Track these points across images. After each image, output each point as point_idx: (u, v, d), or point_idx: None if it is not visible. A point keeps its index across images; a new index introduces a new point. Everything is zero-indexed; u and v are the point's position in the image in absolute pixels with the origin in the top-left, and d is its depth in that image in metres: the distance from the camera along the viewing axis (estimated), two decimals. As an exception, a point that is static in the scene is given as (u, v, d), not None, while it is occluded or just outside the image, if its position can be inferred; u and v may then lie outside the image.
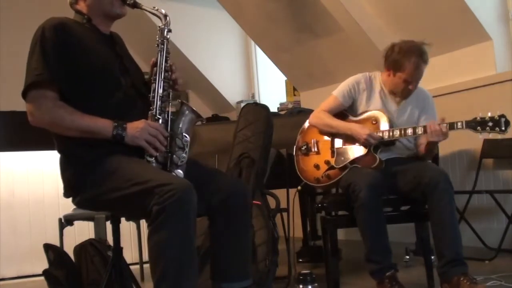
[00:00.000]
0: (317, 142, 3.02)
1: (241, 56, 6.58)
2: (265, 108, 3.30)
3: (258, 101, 6.17)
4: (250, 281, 2.09)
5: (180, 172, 2.01)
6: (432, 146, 2.83)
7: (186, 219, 1.78)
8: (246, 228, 2.12)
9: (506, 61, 3.79)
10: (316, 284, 2.66)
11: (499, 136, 2.60)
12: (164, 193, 1.76)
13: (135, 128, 1.98)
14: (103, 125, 1.96)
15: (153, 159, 1.99)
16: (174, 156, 2.02)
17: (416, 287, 2.85)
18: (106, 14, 2.14)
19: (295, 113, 4.18)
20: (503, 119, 2.55)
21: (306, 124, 3.12)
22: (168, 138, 2.02)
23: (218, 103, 6.56)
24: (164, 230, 1.76)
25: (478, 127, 2.57)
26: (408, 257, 3.48)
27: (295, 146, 3.11)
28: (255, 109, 3.28)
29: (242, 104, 4.35)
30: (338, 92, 2.97)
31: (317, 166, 2.97)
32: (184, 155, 2.03)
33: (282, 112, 4.99)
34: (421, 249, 2.98)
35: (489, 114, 2.57)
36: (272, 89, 6.39)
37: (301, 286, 2.66)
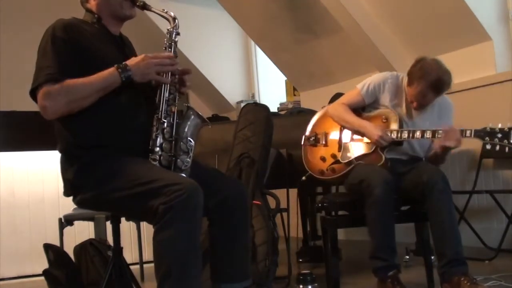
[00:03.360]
0: (326, 135, 3.01)
1: (241, 56, 6.58)
2: (265, 108, 3.30)
3: (258, 101, 6.17)
4: (249, 281, 2.10)
5: (184, 176, 2.00)
6: (446, 151, 2.78)
7: (193, 218, 1.79)
8: (245, 229, 2.12)
9: (506, 61, 3.79)
10: (316, 284, 2.66)
11: (507, 149, 2.55)
12: (171, 192, 1.77)
13: (140, 66, 1.99)
14: (110, 75, 1.97)
15: (156, 163, 1.99)
16: (178, 160, 2.01)
17: (416, 287, 2.84)
18: (115, 15, 2.14)
19: (295, 113, 4.19)
20: None
21: (318, 115, 3.12)
22: (173, 142, 2.02)
23: (218, 103, 6.56)
24: (170, 229, 1.77)
25: (487, 138, 2.55)
26: (408, 257, 3.48)
27: (304, 136, 3.10)
28: (255, 109, 3.29)
29: (242, 104, 4.36)
30: (362, 87, 2.93)
31: (323, 159, 2.97)
32: (188, 159, 2.03)
33: (282, 112, 5.00)
34: (421, 249, 2.98)
35: (500, 126, 2.54)
36: (272, 89, 6.39)
37: (301, 286, 2.66)
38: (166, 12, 2.13)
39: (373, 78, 2.94)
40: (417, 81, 2.76)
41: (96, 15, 2.13)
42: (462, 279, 2.48)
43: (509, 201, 3.62)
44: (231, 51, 6.52)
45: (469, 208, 3.71)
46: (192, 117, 2.09)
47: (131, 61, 2.01)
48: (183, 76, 2.13)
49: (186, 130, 2.06)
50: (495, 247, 3.41)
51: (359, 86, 2.94)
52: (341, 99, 3.00)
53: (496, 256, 3.33)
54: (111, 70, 1.97)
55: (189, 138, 2.05)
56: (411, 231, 3.30)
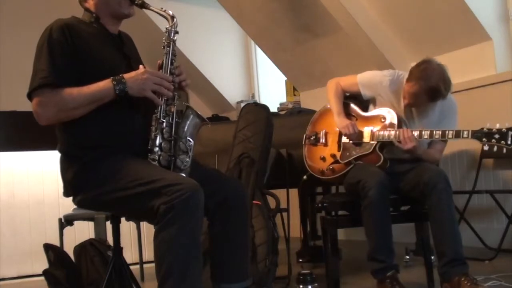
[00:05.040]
0: (326, 134, 3.03)
1: (241, 56, 6.58)
2: (265, 108, 3.30)
3: (258, 101, 6.17)
4: (249, 282, 2.10)
5: (184, 176, 2.00)
6: (412, 153, 2.77)
7: (194, 218, 1.79)
8: (245, 229, 2.12)
9: (506, 61, 3.78)
10: (316, 284, 2.67)
11: (504, 150, 2.52)
12: (172, 192, 1.77)
13: (138, 80, 1.97)
14: (104, 87, 1.95)
15: (155, 163, 1.99)
16: (178, 159, 2.01)
17: (416, 287, 2.85)
18: (113, 13, 2.14)
19: (295, 113, 4.18)
20: (510, 133, 2.48)
21: (318, 112, 3.15)
22: (172, 142, 2.02)
23: (218, 103, 6.56)
24: (171, 228, 1.77)
25: (484, 139, 2.53)
26: (408, 257, 3.48)
27: (305, 135, 3.12)
28: (255, 109, 3.29)
29: (242, 104, 4.36)
30: (361, 80, 2.97)
31: (323, 158, 2.99)
32: (187, 159, 2.03)
33: (282, 112, 4.99)
34: (421, 249, 2.98)
35: (497, 126, 2.52)
36: (272, 89, 6.39)
37: (301, 286, 2.66)
38: (165, 11, 2.13)
39: (373, 76, 2.97)
40: (415, 81, 2.75)
41: (94, 14, 2.12)
42: (463, 279, 2.48)
43: (509, 201, 3.62)
44: (231, 51, 6.51)
45: (469, 208, 3.71)
46: (191, 116, 2.08)
47: (129, 74, 1.99)
48: (177, 78, 2.12)
49: (185, 129, 2.06)
50: (495, 247, 3.41)
51: (359, 77, 2.99)
52: (341, 80, 3.05)
53: (496, 256, 3.33)
54: (106, 81, 1.96)
55: (188, 138, 2.05)
56: (411, 231, 3.30)
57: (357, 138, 2.89)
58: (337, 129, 2.96)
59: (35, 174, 4.21)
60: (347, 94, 3.05)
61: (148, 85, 1.98)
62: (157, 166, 1.97)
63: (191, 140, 2.05)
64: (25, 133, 4.19)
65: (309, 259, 3.73)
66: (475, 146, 3.77)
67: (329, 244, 2.74)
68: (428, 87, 2.72)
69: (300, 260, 3.73)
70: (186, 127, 2.06)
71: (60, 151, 2.08)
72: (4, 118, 4.35)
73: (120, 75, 1.98)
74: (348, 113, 3.00)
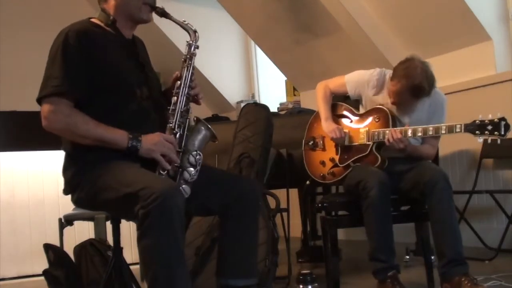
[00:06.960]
0: (323, 138, 3.03)
1: (241, 56, 6.58)
2: (265, 108, 3.30)
3: (258, 101, 6.17)
4: (255, 280, 2.12)
5: (187, 188, 2.00)
6: (403, 151, 2.78)
7: (171, 222, 1.78)
8: (256, 227, 2.15)
9: (506, 61, 3.78)
10: (316, 284, 2.67)
11: (498, 140, 2.53)
12: (147, 196, 1.77)
13: (151, 141, 1.98)
14: (119, 136, 1.96)
15: (164, 172, 1.99)
16: (185, 172, 2.02)
17: (416, 287, 2.85)
18: (132, 17, 2.13)
19: (295, 113, 4.19)
20: (503, 123, 2.48)
21: (313, 118, 3.16)
22: (180, 154, 2.03)
23: (218, 103, 6.56)
24: (150, 236, 1.77)
25: (477, 131, 2.51)
26: (408, 257, 3.48)
27: (303, 140, 3.14)
28: (255, 109, 3.28)
29: (242, 104, 4.36)
30: (349, 80, 3.00)
31: (323, 163, 3.00)
32: (195, 172, 2.04)
33: (282, 112, 4.99)
34: (421, 249, 2.98)
35: (490, 117, 2.51)
36: (272, 89, 6.39)
37: (301, 286, 2.66)
38: (187, 24, 2.13)
39: (360, 76, 2.98)
40: (398, 79, 2.77)
41: (111, 17, 2.10)
42: (463, 279, 2.48)
43: (509, 201, 3.62)
44: (231, 51, 6.52)
45: (469, 208, 3.71)
46: (202, 129, 2.11)
47: (146, 136, 1.99)
48: (192, 90, 2.13)
49: (195, 143, 2.08)
50: (495, 247, 3.41)
51: (346, 78, 3.01)
52: (330, 83, 3.06)
53: (496, 256, 3.33)
54: (123, 132, 1.96)
55: (198, 152, 2.06)
56: (411, 231, 3.30)
57: (348, 140, 2.90)
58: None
59: (35, 174, 4.21)
60: (338, 95, 3.07)
61: (159, 148, 1.98)
62: (137, 167, 1.97)
63: (200, 154, 2.07)
64: (25, 133, 4.19)
65: (309, 259, 3.73)
66: (475, 146, 3.77)
67: (329, 244, 2.74)
68: (411, 85, 2.72)
69: (300, 260, 3.73)
70: (196, 140, 2.09)
71: (64, 150, 2.09)
72: (4, 118, 4.36)
73: (140, 134, 1.98)
74: (342, 115, 3.01)
